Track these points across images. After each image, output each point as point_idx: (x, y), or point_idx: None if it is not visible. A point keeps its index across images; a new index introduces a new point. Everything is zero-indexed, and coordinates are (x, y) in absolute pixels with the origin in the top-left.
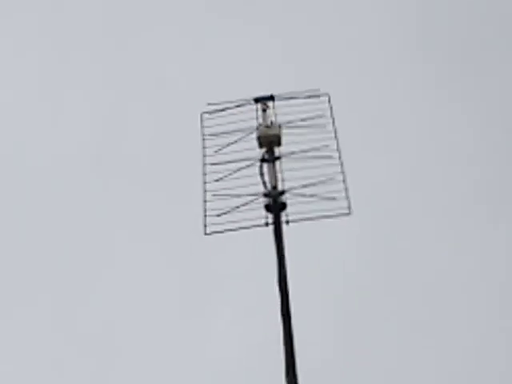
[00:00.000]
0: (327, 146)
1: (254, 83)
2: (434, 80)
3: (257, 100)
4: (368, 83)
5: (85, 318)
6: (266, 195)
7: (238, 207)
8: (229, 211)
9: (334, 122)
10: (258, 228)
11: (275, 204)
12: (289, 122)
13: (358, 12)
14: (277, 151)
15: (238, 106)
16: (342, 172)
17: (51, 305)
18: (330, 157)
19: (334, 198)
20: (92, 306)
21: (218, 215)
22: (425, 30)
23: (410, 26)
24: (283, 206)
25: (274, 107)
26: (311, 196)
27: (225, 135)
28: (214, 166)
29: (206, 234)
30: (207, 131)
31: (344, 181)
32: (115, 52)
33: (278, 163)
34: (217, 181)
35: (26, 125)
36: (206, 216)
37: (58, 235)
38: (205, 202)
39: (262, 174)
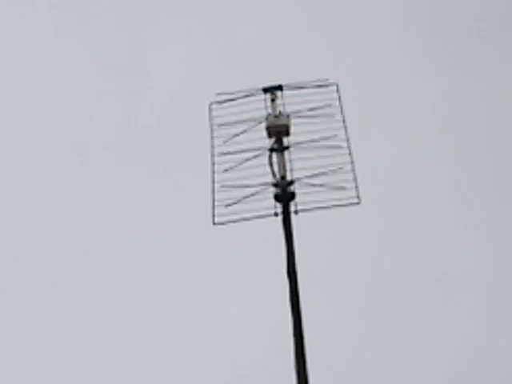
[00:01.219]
0: (336, 135)
1: (262, 72)
2: (444, 65)
3: (265, 90)
4: (376, 71)
5: (98, 304)
6: (274, 185)
7: (246, 197)
8: (238, 201)
9: (342, 112)
10: (267, 218)
11: (284, 194)
12: (297, 112)
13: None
14: (285, 141)
15: (246, 96)
16: (351, 161)
17: (57, 298)
18: (338, 146)
19: (342, 188)
20: (104, 293)
21: (227, 205)
22: (437, 15)
23: (421, 11)
24: (292, 195)
25: (282, 97)
26: (320, 186)
27: (233, 125)
28: (222, 157)
29: (214, 223)
30: (216, 121)
31: (353, 170)
32: (120, 40)
33: (286, 153)
34: (226, 171)
35: (34, 113)
36: (214, 206)
37: (64, 228)
38: (213, 192)
39: (270, 164)
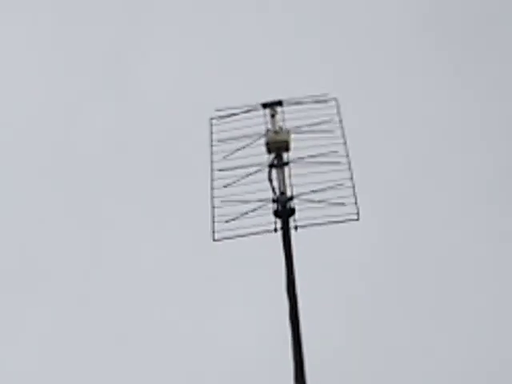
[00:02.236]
0: (336, 151)
1: (261, 87)
2: (446, 78)
3: (265, 105)
4: (376, 86)
5: (100, 304)
6: (274, 201)
7: (246, 213)
8: (237, 217)
9: (342, 127)
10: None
11: (284, 210)
12: (297, 127)
13: (362, 7)
14: (285, 157)
15: (246, 112)
16: (351, 177)
17: (59, 299)
18: (338, 162)
19: (342, 204)
20: (103, 301)
21: (227, 221)
22: (438, 27)
23: (422, 25)
24: (292, 211)
25: (282, 112)
26: (320, 202)
27: (233, 141)
28: (222, 172)
29: (214, 240)
30: (215, 137)
31: (353, 186)
32: (119, 55)
33: (286, 169)
34: (225, 187)
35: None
36: (214, 222)
37: (62, 238)
38: (213, 208)
39: (270, 180)
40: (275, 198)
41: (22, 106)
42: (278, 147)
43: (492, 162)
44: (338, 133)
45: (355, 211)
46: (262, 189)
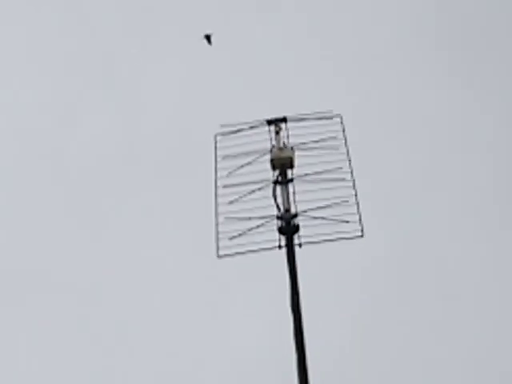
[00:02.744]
0: (340, 168)
1: (265, 103)
2: (449, 93)
3: (270, 122)
4: (380, 100)
5: (104, 317)
6: (279, 218)
7: (250, 230)
8: (241, 234)
9: (346, 144)
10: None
11: (288, 227)
12: (302, 144)
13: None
14: (289, 173)
15: (251, 128)
16: (355, 194)
17: (68, 305)
18: (342, 179)
19: (346, 221)
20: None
21: (231, 238)
22: (441, 42)
23: (424, 41)
24: (296, 228)
25: (286, 129)
26: (324, 218)
27: (238, 157)
28: (226, 189)
29: (218, 256)
30: (220, 153)
31: (357, 203)
32: (129, 70)
33: (290, 185)
34: (230, 203)
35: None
36: (218, 239)
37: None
38: (217, 224)
39: (274, 197)
40: (280, 215)
41: (22, 106)
42: (282, 164)
43: (492, 176)
44: (343, 149)
45: (359, 228)
46: (266, 205)
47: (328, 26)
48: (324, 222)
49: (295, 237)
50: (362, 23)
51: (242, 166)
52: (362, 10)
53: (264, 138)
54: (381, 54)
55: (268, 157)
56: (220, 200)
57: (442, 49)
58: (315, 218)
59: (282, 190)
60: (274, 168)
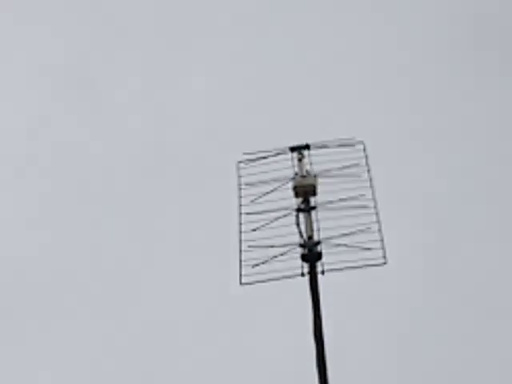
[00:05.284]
0: (363, 195)
1: (286, 129)
2: (473, 121)
3: (292, 149)
4: (402, 129)
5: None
6: (301, 245)
7: (273, 257)
8: (265, 261)
9: (369, 171)
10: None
11: (311, 254)
12: (324, 171)
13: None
14: (312, 201)
15: (273, 156)
16: (378, 221)
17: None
18: (365, 206)
19: (369, 249)
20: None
21: (254, 265)
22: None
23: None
24: (319, 256)
25: (309, 156)
26: (346, 246)
27: (260, 184)
28: (249, 216)
29: (241, 283)
30: (243, 180)
31: (380, 230)
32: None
33: (313, 213)
34: (253, 230)
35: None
36: (241, 266)
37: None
38: (240, 252)
39: (297, 224)
40: (302, 242)
41: (24, 105)
42: (305, 191)
43: None
44: (365, 176)
45: (382, 255)
46: (289, 233)
47: (349, 49)
48: (347, 249)
49: (318, 264)
50: (386, 48)
51: (266, 194)
52: (387, 36)
53: (287, 165)
54: (403, 78)
55: (291, 184)
56: (243, 227)
57: (478, 74)
58: (338, 245)
59: (304, 217)
60: (296, 195)
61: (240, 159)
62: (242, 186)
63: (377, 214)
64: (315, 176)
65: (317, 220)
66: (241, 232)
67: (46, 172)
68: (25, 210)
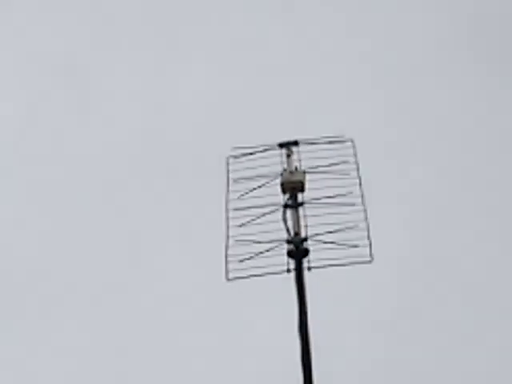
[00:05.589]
0: (351, 192)
1: (277, 125)
2: (465, 120)
3: (281, 145)
4: (392, 127)
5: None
6: (288, 242)
7: (260, 253)
8: (251, 257)
9: (358, 168)
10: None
11: (297, 251)
12: (313, 168)
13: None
14: (300, 197)
15: (262, 151)
16: (366, 219)
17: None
18: (353, 204)
19: (356, 246)
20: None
21: (240, 261)
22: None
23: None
24: (305, 252)
25: (298, 152)
26: (333, 243)
27: (248, 180)
28: (237, 211)
29: (227, 279)
30: (232, 175)
31: (367, 228)
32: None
33: (301, 209)
34: (240, 226)
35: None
36: (227, 261)
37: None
38: (227, 247)
39: (285, 220)
40: (289, 238)
41: (22, 104)
42: (292, 187)
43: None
44: (354, 174)
45: (368, 253)
46: (276, 229)
47: (344, 47)
48: (333, 246)
49: (304, 260)
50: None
51: (253, 189)
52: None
53: (275, 161)
54: (396, 78)
55: (279, 180)
56: (230, 222)
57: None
58: (325, 242)
59: (292, 213)
60: (284, 191)
61: (229, 154)
62: (230, 182)
63: (365, 211)
64: (304, 172)
65: (304, 216)
66: (228, 227)
67: (34, 161)
68: (12, 205)
